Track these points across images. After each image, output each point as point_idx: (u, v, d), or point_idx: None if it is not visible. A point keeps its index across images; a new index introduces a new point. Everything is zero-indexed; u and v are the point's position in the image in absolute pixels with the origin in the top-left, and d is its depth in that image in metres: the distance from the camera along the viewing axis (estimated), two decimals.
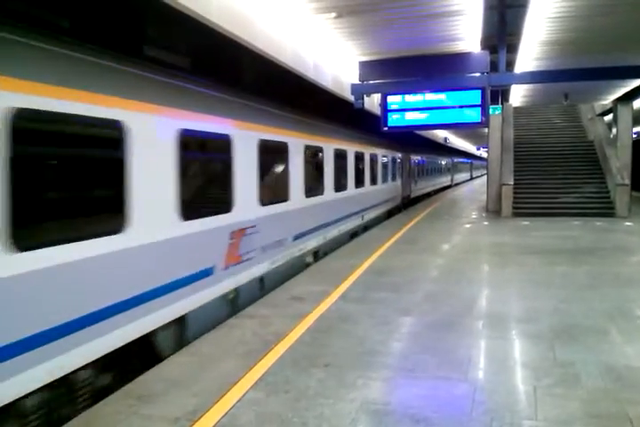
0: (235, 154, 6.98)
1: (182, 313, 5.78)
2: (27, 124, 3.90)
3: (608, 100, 20.64)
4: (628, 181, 17.74)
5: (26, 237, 3.83)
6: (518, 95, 20.86)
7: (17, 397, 3.78)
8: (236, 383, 4.46)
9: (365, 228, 15.44)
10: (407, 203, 23.63)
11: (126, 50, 5.89)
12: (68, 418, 4.06)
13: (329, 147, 11.71)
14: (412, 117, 11.85)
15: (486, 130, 20.71)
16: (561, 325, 5.98)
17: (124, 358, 5.03)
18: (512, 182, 18.39)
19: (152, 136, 5.31)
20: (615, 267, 9.26)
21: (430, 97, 11.71)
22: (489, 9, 9.52)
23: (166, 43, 6.93)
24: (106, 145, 4.91)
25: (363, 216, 15.12)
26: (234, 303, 7.02)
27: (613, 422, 3.74)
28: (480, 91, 11.24)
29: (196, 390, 4.34)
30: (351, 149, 13.63)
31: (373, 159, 16.56)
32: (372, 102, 13.93)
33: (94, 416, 3.94)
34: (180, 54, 7.15)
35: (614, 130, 20.21)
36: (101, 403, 4.15)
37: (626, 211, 17.26)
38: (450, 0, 8.61)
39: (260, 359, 5.01)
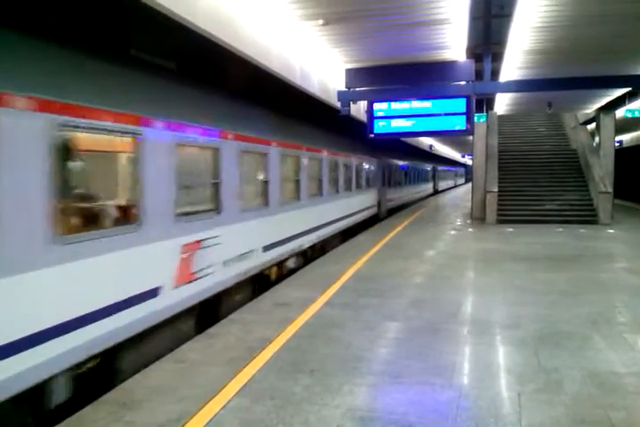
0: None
1: None
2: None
3: (591, 109, 20.93)
4: (610, 189, 17.95)
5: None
6: (503, 104, 21.08)
7: None
8: (220, 390, 4.43)
9: None
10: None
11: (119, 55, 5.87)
12: None
13: None
14: (398, 125, 11.91)
15: (471, 138, 20.86)
16: (544, 331, 6.02)
17: None
18: (496, 189, 18.53)
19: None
20: (598, 273, 9.35)
21: (416, 105, 11.78)
22: (474, 18, 9.62)
23: (153, 47, 6.91)
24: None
25: None
26: None
27: None
28: (465, 99, 11.34)
29: (180, 397, 4.30)
30: None
31: None
32: (359, 109, 13.99)
33: (76, 424, 3.89)
34: (166, 58, 7.14)
35: (597, 138, 20.47)
36: (84, 410, 4.10)
37: (608, 218, 17.46)
38: (436, 9, 8.69)
39: (245, 366, 4.98)
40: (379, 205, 20.55)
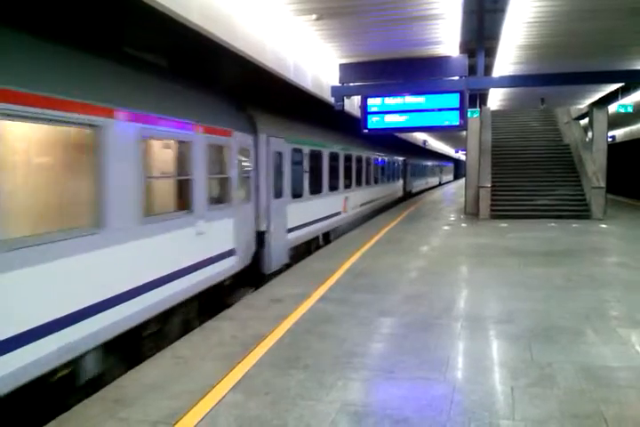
0: None
1: None
2: None
3: (584, 104, 20.97)
4: (603, 184, 18.03)
5: None
6: (496, 99, 21.10)
7: None
8: (215, 386, 4.43)
9: None
10: None
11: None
12: None
13: None
14: (392, 120, 11.90)
15: (465, 133, 20.87)
16: (538, 325, 6.04)
17: None
18: (489, 185, 18.56)
19: None
20: (591, 268, 9.40)
21: (410, 100, 11.77)
22: (468, 13, 9.61)
23: (146, 42, 6.88)
24: None
25: None
26: None
27: (589, 421, 3.79)
28: (458, 94, 11.34)
29: (174, 394, 4.30)
30: None
31: None
32: (352, 104, 13.95)
33: (70, 420, 3.88)
34: (160, 55, 7.10)
35: (590, 134, 20.52)
36: (78, 406, 4.09)
37: (601, 213, 17.55)
38: (429, 4, 8.67)
39: (240, 362, 4.98)
40: (260, 243, 9.21)
